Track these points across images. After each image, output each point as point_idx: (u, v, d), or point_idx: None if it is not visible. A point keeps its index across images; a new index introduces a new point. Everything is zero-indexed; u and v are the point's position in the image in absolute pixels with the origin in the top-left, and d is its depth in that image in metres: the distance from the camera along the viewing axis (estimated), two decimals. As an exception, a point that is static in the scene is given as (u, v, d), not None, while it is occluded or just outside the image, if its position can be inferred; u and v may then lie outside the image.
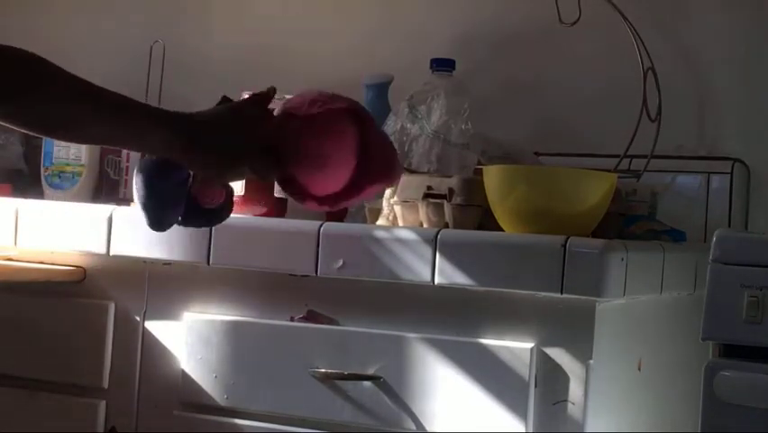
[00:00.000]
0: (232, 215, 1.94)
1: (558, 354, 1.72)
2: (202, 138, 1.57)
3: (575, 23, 2.16)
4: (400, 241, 1.80)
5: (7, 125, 1.51)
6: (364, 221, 2.03)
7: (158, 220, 1.60)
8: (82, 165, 2.35)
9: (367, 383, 1.80)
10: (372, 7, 2.52)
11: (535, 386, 1.72)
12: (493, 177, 1.85)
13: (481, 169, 1.88)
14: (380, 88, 2.23)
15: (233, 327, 1.90)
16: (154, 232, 1.68)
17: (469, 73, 2.28)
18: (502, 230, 1.83)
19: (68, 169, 2.35)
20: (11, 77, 1.48)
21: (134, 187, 1.60)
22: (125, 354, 1.99)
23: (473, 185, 1.88)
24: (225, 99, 1.65)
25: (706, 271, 1.68)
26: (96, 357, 1.99)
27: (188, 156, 1.57)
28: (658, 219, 2.04)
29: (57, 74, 1.57)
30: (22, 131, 1.56)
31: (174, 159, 1.60)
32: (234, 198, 1.65)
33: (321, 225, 1.84)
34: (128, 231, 1.96)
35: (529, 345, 1.72)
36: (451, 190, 1.88)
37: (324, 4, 2.56)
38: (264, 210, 1.98)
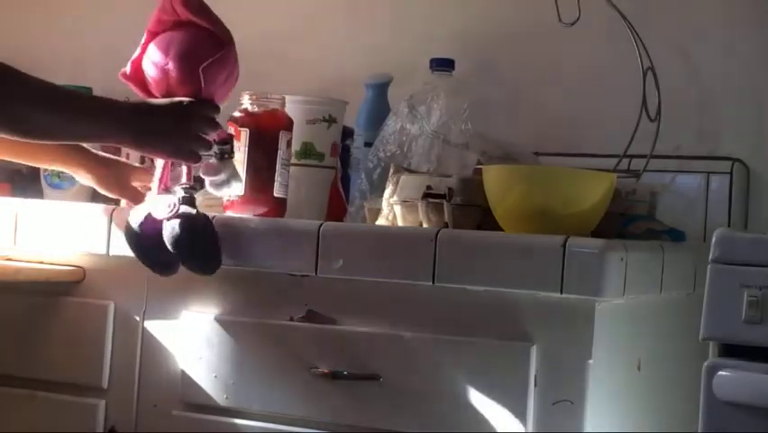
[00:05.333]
0: (231, 214, 1.96)
1: (558, 354, 1.71)
2: (148, 121, 1.82)
3: (575, 22, 2.16)
4: (400, 241, 1.79)
5: None
6: (364, 221, 2.03)
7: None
8: (82, 165, 2.35)
9: (367, 383, 1.80)
10: (372, 7, 2.52)
11: (535, 386, 1.72)
12: (493, 177, 1.85)
13: (481, 169, 1.88)
14: (380, 88, 2.24)
15: (233, 327, 1.90)
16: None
17: (469, 73, 2.28)
18: (502, 230, 1.83)
19: (68, 169, 2.35)
20: None
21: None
22: (125, 354, 1.99)
23: (473, 185, 1.88)
24: None
25: (705, 270, 1.68)
26: (95, 357, 1.99)
27: (139, 139, 1.82)
28: (658, 219, 2.05)
29: (15, 74, 1.73)
30: None
31: (126, 145, 1.93)
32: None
33: (321, 225, 1.84)
34: (128, 231, 1.96)
35: (529, 345, 1.72)
36: (450, 190, 1.88)
37: (324, 4, 2.57)
38: (264, 210, 1.98)
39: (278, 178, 1.99)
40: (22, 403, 2.03)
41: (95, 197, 2.34)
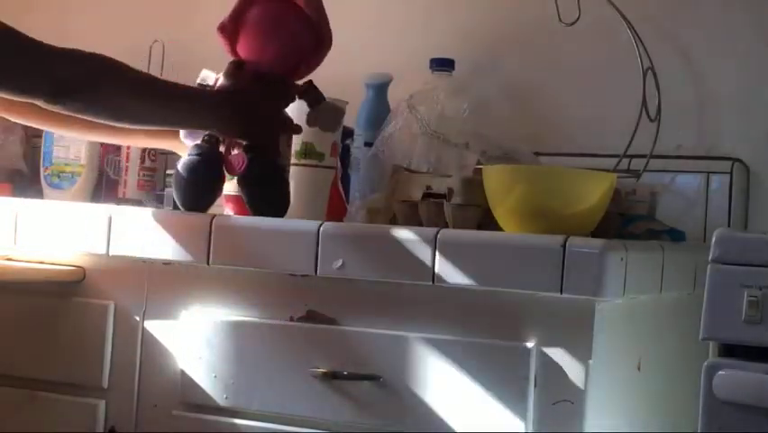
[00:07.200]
0: (230, 214, 1.96)
1: (558, 354, 1.72)
2: (242, 108, 1.94)
3: (575, 22, 2.16)
4: (400, 241, 1.79)
5: (73, 115, 1.81)
6: (364, 221, 2.03)
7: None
8: (81, 165, 2.36)
9: (367, 383, 1.80)
10: (372, 7, 2.52)
11: (535, 386, 1.72)
12: (493, 177, 1.85)
13: (481, 169, 1.88)
14: (380, 88, 2.23)
15: (233, 327, 1.90)
16: (154, 232, 1.91)
17: (469, 73, 2.28)
18: (502, 230, 1.83)
19: (68, 169, 2.35)
20: (78, 73, 1.77)
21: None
22: (125, 354, 1.99)
23: (473, 185, 1.88)
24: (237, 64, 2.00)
25: (705, 270, 1.68)
26: (95, 357, 1.99)
27: (230, 125, 1.93)
28: (658, 219, 2.05)
29: (117, 68, 1.85)
30: (88, 118, 1.84)
31: (217, 130, 1.96)
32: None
33: (321, 225, 1.84)
34: (128, 231, 1.96)
35: (529, 345, 1.72)
36: (450, 190, 1.88)
37: (324, 4, 2.56)
38: (264, 210, 1.98)
39: (278, 177, 2.00)
40: (22, 403, 2.04)
41: (95, 196, 2.35)
